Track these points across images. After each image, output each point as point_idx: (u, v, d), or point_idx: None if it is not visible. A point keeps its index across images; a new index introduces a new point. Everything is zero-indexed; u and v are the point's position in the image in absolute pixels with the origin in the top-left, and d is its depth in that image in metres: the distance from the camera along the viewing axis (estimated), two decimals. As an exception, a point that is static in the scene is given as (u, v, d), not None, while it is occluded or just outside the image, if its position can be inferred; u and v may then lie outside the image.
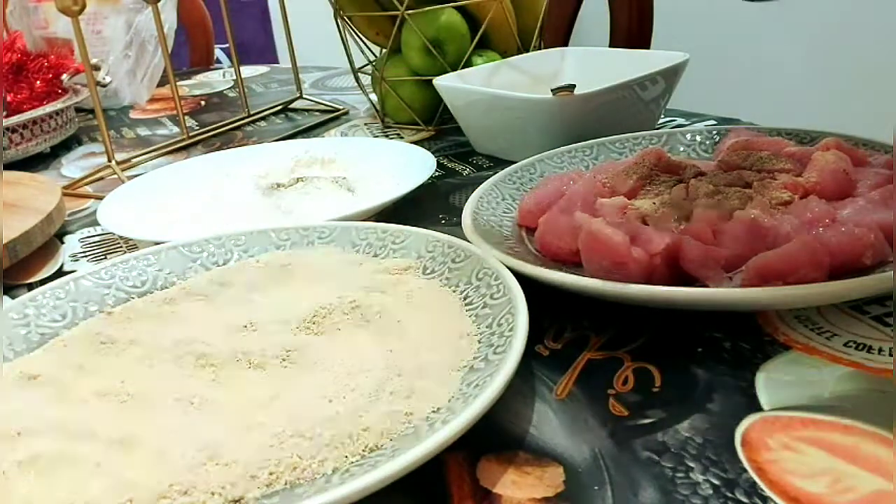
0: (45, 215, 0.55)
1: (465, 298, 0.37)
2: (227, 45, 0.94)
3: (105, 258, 0.54)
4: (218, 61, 1.71)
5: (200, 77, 1.26)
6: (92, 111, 1.00)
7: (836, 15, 1.77)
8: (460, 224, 0.44)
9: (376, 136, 0.78)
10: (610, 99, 0.59)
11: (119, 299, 0.41)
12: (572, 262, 0.41)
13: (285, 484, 0.26)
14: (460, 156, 0.69)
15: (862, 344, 0.34)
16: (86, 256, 0.55)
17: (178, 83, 0.85)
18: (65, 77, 0.88)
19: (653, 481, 0.27)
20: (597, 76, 0.63)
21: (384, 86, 0.78)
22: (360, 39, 0.81)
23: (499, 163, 0.65)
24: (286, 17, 0.90)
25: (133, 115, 1.03)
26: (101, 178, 0.71)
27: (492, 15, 0.72)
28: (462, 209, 0.45)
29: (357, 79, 0.85)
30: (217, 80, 1.23)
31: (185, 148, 0.80)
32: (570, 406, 0.32)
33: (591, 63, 0.74)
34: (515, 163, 0.53)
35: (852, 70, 1.77)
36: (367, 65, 0.83)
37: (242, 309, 0.38)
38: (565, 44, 1.14)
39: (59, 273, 0.52)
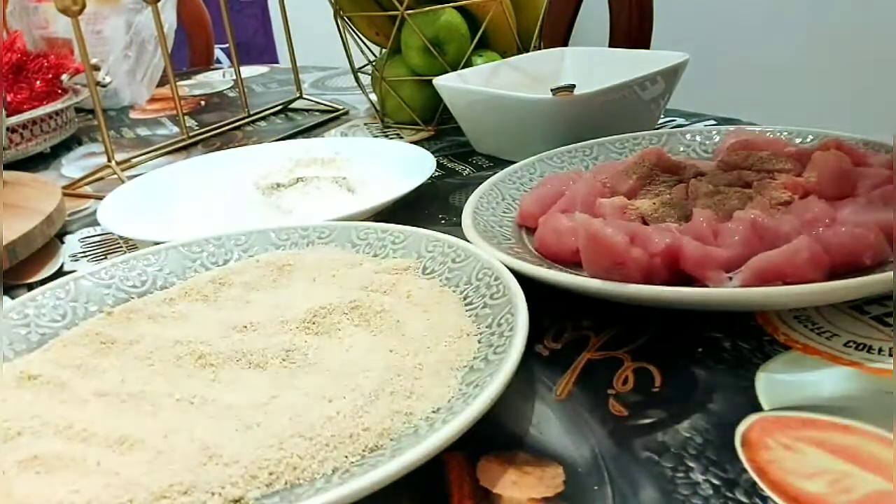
0: (45, 216, 0.55)
1: (465, 298, 0.37)
2: (227, 45, 0.94)
3: (105, 258, 0.54)
4: (218, 61, 1.71)
5: (200, 77, 1.26)
6: (92, 111, 0.99)
7: (837, 14, 1.77)
8: (460, 224, 0.44)
9: (376, 136, 0.78)
10: (610, 99, 0.59)
11: (119, 299, 0.41)
12: (572, 262, 0.41)
13: (285, 484, 0.26)
14: (460, 156, 0.69)
15: (862, 344, 0.34)
16: (86, 256, 0.55)
17: (178, 83, 0.85)
18: (65, 77, 0.88)
19: (653, 481, 0.27)
20: (597, 76, 0.63)
21: (384, 86, 0.78)
22: (360, 39, 0.81)
23: (499, 163, 0.65)
24: (286, 17, 0.90)
25: (133, 115, 1.03)
26: (101, 179, 0.71)
27: (492, 15, 0.72)
28: (462, 209, 0.45)
29: (357, 79, 0.85)
30: (217, 80, 1.23)
31: (185, 148, 0.80)
32: (570, 406, 0.32)
33: (591, 63, 0.74)
34: (515, 163, 0.53)
35: (852, 70, 1.77)
36: (367, 65, 0.83)
37: (242, 309, 0.38)
38: (565, 44, 1.14)
39: (59, 273, 0.52)
